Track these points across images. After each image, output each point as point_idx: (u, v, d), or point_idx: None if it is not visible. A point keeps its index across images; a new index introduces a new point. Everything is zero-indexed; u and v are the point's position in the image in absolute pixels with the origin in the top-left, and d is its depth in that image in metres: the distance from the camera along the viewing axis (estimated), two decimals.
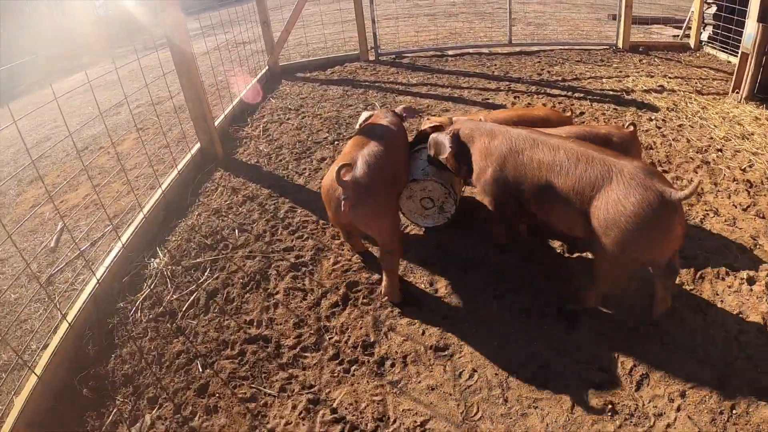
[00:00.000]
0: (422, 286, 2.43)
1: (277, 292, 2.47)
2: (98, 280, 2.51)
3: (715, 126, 3.82)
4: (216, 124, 4.09)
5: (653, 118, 4.01)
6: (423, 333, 2.17)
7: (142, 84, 3.23)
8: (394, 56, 6.15)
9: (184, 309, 2.43)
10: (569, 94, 4.52)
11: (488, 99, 4.64)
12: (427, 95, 4.88)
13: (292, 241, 2.85)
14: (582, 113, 4.14)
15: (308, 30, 7.64)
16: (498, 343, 2.11)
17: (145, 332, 2.32)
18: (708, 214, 2.82)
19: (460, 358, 2.04)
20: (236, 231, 2.99)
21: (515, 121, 2.68)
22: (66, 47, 9.93)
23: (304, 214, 3.10)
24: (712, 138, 3.64)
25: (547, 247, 2.65)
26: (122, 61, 3.22)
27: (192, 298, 2.48)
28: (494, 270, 2.49)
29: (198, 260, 2.76)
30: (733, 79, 4.27)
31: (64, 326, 2.25)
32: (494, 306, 2.29)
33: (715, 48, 5.62)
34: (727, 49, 5.41)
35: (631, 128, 2.49)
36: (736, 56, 5.25)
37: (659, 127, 3.84)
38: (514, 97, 4.60)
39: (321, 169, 3.67)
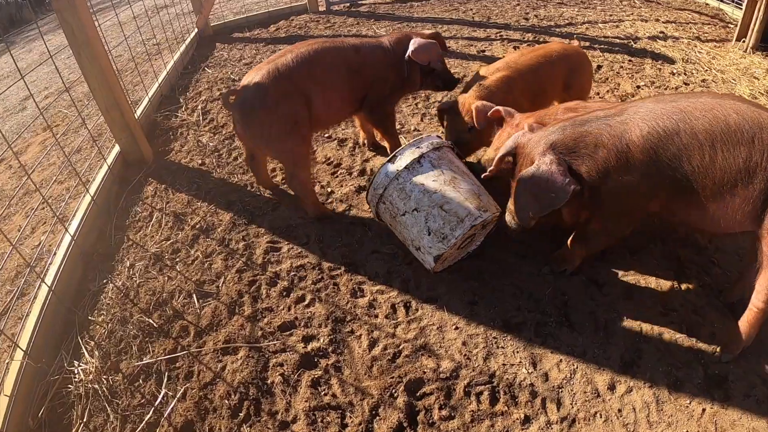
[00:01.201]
0: (523, 369, 1.49)
1: (295, 419, 1.38)
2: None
3: (733, 80, 3.22)
4: (139, 113, 2.58)
5: (675, 71, 3.28)
6: None
7: (51, 69, 1.80)
8: (348, 4, 4.65)
9: None
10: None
11: (483, 51, 3.55)
12: None
13: (290, 308, 1.71)
14: (600, 66, 3.28)
15: None
16: None
17: None
18: None
19: None
20: (194, 297, 1.78)
21: (534, 65, 2.13)
22: None
23: (296, 253, 1.94)
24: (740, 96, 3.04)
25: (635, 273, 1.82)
26: (30, 44, 1.68)
27: None
28: (598, 327, 1.61)
29: (146, 360, 1.56)
30: (738, 26, 3.65)
31: None
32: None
33: None
34: None
35: None
36: None
37: (686, 84, 3.12)
38: (514, 48, 3.58)
39: None
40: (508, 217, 1.64)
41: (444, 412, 1.39)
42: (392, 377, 1.47)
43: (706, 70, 3.29)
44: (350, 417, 1.38)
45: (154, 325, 1.68)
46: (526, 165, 1.50)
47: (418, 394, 1.44)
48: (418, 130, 2.68)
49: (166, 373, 1.53)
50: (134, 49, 3.40)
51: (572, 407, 1.42)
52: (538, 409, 1.42)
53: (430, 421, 1.37)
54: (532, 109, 2.21)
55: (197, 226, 2.09)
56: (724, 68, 3.32)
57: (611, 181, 1.43)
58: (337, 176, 2.34)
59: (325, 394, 1.44)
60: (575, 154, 1.45)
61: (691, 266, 1.83)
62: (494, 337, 1.58)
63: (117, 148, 2.38)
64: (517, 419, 1.39)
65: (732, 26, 4.04)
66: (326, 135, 2.67)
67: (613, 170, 1.42)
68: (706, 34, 3.91)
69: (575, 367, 1.51)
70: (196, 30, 3.90)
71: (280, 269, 1.86)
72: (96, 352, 1.61)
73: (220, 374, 1.50)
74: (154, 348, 1.61)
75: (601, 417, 1.40)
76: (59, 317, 1.72)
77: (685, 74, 3.24)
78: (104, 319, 1.73)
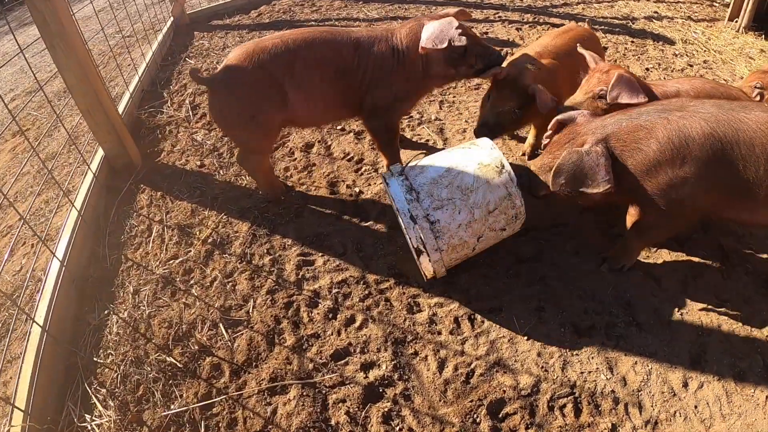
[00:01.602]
0: (602, 375, 1.40)
1: None
2: None
3: (732, 61, 3.29)
4: (120, 111, 2.24)
5: (677, 53, 3.30)
6: None
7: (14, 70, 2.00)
8: None
9: None
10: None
11: (486, 32, 3.40)
12: None
13: (340, 332, 1.53)
14: (606, 48, 3.23)
15: None
16: None
17: None
18: None
19: None
20: (221, 327, 1.55)
21: (570, 50, 1.94)
22: None
23: (333, 266, 1.74)
24: (742, 77, 3.11)
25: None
26: None
27: None
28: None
29: (175, 409, 1.33)
30: (730, 7, 3.73)
31: None
32: None
33: None
34: None
35: (757, 94, 1.82)
36: None
37: (691, 65, 3.16)
38: (516, 29, 3.46)
39: (313, 166, 2.22)
40: (558, 179, 1.49)
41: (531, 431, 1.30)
42: (471, 400, 1.35)
43: (705, 51, 3.35)
44: None
45: (178, 364, 1.45)
46: (576, 144, 1.49)
47: (500, 415, 1.33)
48: (440, 119, 2.51)
49: (203, 423, 1.32)
50: (106, 43, 2.97)
51: (653, 409, 1.38)
52: (623, 416, 1.36)
53: None
54: (571, 94, 2.11)
55: (209, 241, 1.84)
56: (721, 48, 3.39)
57: (663, 174, 1.43)
58: (362, 174, 2.15)
59: (401, 429, 1.29)
60: (626, 147, 1.45)
61: (733, 255, 1.83)
62: (567, 345, 1.49)
63: (101, 153, 2.05)
64: (605, 429, 1.32)
65: (717, 5, 4.15)
66: (339, 127, 2.45)
67: (666, 164, 1.42)
68: (696, 14, 3.99)
69: (650, 367, 1.47)
70: (171, 18, 3.46)
71: (319, 287, 1.67)
72: (110, 402, 1.37)
73: (272, 419, 1.31)
74: (182, 392, 1.39)
75: (680, 416, 1.38)
76: (59, 361, 1.46)
77: (687, 55, 3.27)
78: (114, 360, 1.48)
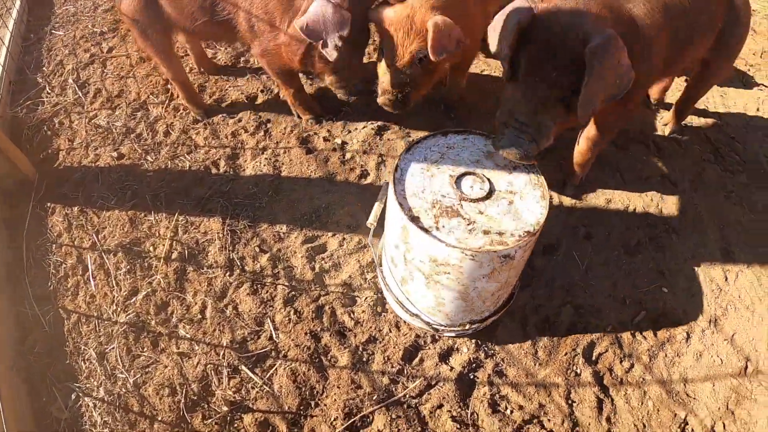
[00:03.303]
0: (663, 288, 1.38)
1: None
2: None
3: None
4: None
5: None
6: None
7: None
8: None
9: None
10: None
11: None
12: None
13: (399, 326, 1.23)
14: None
15: None
16: None
17: None
18: None
19: None
20: (244, 368, 1.15)
21: None
22: None
23: (354, 246, 1.36)
24: None
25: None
26: None
27: None
28: None
29: None
30: None
31: None
32: None
33: None
34: None
35: None
36: None
37: None
38: None
39: (269, 122, 1.66)
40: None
41: (626, 364, 1.25)
42: (565, 353, 1.23)
43: None
44: (549, 421, 1.13)
45: None
46: (577, 41, 1.06)
47: (594, 358, 1.25)
48: None
49: None
50: None
51: (709, 309, 1.43)
52: (691, 323, 1.38)
53: (619, 380, 1.21)
54: (486, 23, 1.46)
55: (174, 256, 1.32)
56: None
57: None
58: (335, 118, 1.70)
59: (511, 411, 1.13)
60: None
61: (722, 146, 1.85)
62: (624, 266, 1.43)
63: None
64: (682, 339, 1.34)
65: None
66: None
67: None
68: None
69: (696, 270, 1.50)
70: None
71: (349, 276, 1.31)
72: None
73: None
74: None
75: (731, 308, 1.45)
76: None
77: None
78: None
